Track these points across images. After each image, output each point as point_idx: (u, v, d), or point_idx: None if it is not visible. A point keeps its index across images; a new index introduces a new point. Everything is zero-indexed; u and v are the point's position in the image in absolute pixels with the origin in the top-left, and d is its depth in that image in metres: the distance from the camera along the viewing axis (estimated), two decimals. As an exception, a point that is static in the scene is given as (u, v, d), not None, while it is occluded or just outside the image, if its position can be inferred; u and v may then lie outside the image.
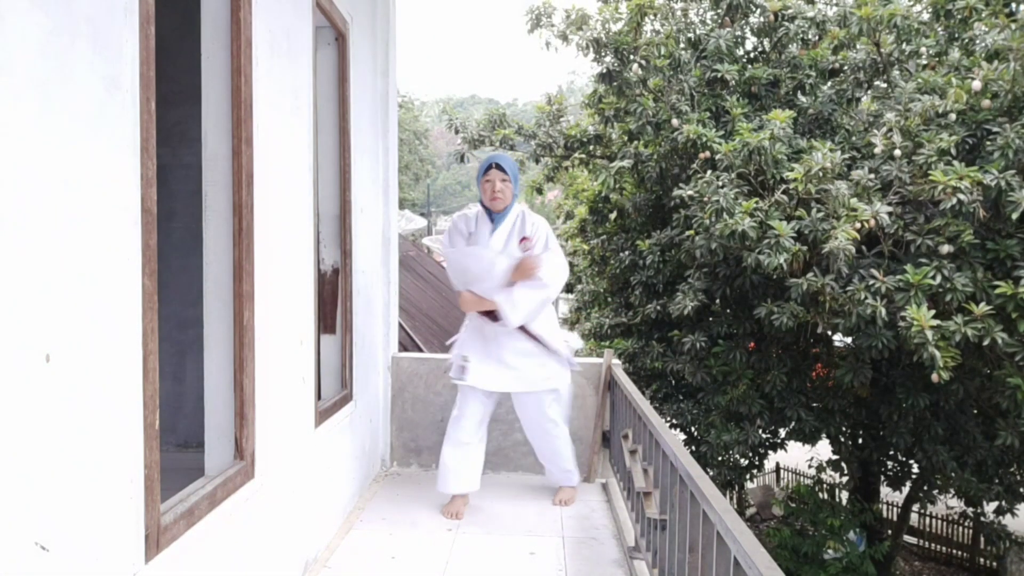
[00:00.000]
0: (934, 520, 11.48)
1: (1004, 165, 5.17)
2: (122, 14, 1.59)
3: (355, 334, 3.70)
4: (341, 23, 3.45)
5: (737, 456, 7.15)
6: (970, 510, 8.41)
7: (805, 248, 5.54)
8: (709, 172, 6.15)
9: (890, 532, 9.12)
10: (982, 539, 10.46)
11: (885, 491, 9.09)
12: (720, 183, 5.93)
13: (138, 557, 1.67)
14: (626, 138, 7.63)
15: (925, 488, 7.95)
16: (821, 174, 5.48)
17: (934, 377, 4.94)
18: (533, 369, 3.59)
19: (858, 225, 5.31)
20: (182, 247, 3.70)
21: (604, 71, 7.23)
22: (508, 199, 3.54)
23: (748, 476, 7.98)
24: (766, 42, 7.39)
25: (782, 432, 7.66)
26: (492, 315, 3.51)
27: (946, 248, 5.24)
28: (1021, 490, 7.09)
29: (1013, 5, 6.29)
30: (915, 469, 7.74)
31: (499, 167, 3.52)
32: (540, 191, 9.27)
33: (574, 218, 9.32)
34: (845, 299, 5.38)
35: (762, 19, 7.12)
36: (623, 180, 7.83)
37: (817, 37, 7.02)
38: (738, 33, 7.21)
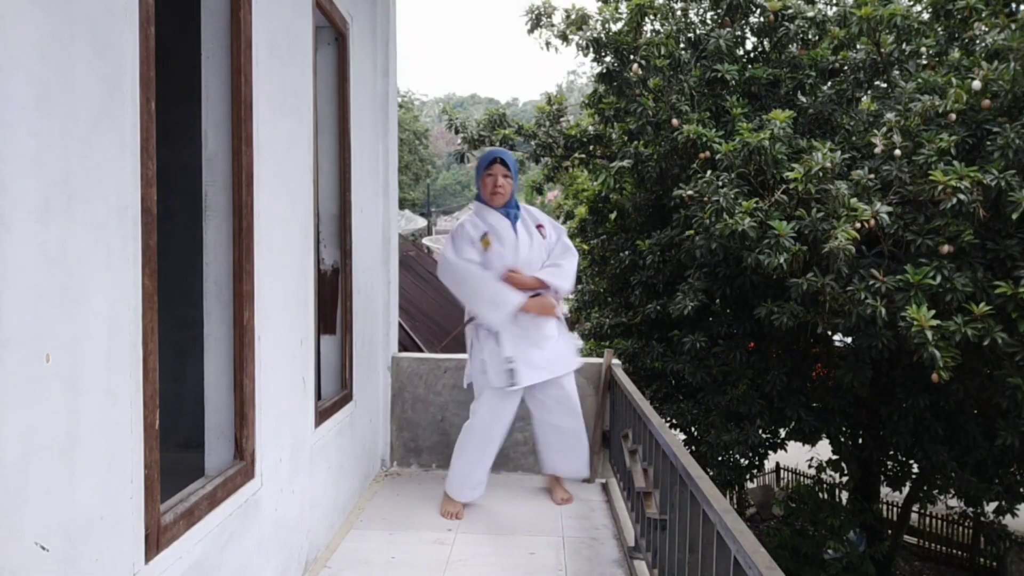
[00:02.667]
0: (934, 520, 11.49)
1: (1004, 165, 5.17)
2: (122, 14, 1.59)
3: (355, 334, 3.70)
4: (341, 23, 3.45)
5: (737, 456, 7.16)
6: (970, 510, 8.41)
7: (805, 248, 5.54)
8: (709, 172, 6.15)
9: (890, 532, 9.12)
10: (982, 539, 10.47)
11: (885, 491, 9.10)
12: (720, 183, 5.93)
13: (138, 557, 1.67)
14: (626, 138, 7.63)
15: (925, 488, 7.95)
16: (821, 174, 5.49)
17: (934, 377, 4.94)
18: (564, 349, 3.63)
19: (858, 225, 5.31)
20: (182, 247, 3.69)
21: (604, 71, 7.23)
22: (508, 194, 3.54)
23: (748, 476, 7.98)
24: (766, 42, 7.39)
25: (782, 432, 7.67)
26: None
27: (946, 248, 5.24)
28: (1021, 490, 7.10)
29: (1013, 5, 6.29)
30: (915, 469, 7.74)
31: (503, 162, 3.53)
32: (540, 191, 9.28)
33: (574, 218, 9.32)
34: (845, 299, 5.38)
35: (762, 19, 7.12)
36: (623, 180, 7.83)
37: (817, 37, 7.03)
38: (738, 33, 7.21)
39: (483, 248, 3.48)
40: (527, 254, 3.50)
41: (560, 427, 3.69)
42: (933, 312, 4.98)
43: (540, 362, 3.51)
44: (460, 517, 3.57)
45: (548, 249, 3.59)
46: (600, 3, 7.53)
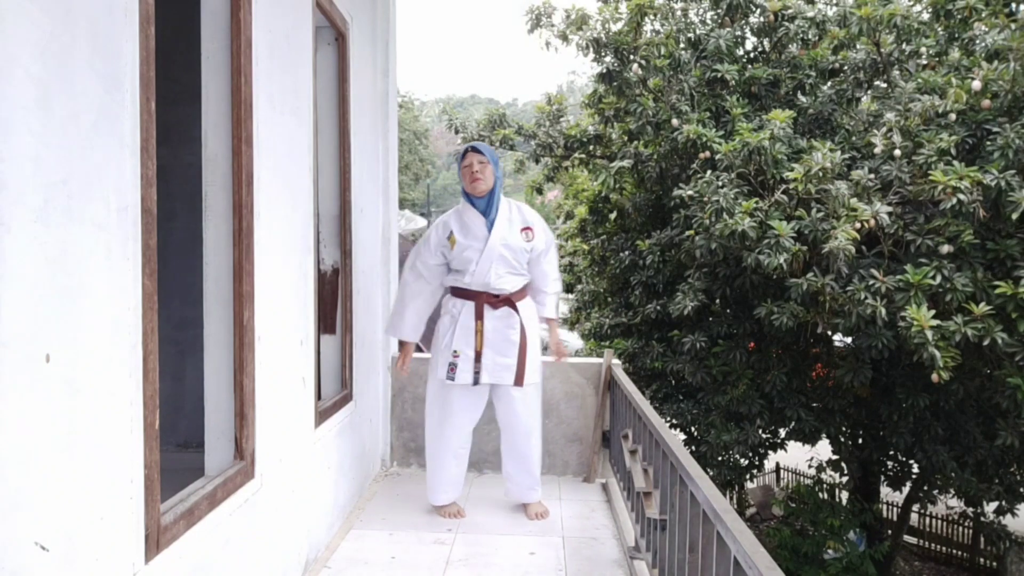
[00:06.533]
0: (934, 520, 11.48)
1: (1004, 165, 5.17)
2: (122, 14, 1.59)
3: (355, 334, 3.70)
4: (341, 23, 3.45)
5: (737, 456, 7.15)
6: (970, 510, 8.41)
7: (805, 248, 5.54)
8: (709, 172, 6.15)
9: (890, 532, 9.12)
10: (982, 539, 10.47)
11: (885, 491, 9.10)
12: (720, 183, 5.93)
13: (138, 557, 1.67)
14: (626, 138, 7.63)
15: (925, 488, 7.95)
16: (821, 174, 5.48)
17: (934, 377, 4.94)
18: (532, 361, 3.48)
19: (858, 225, 5.30)
20: (182, 247, 3.70)
21: (604, 71, 7.23)
22: (489, 182, 3.43)
23: (748, 476, 7.98)
24: (766, 42, 7.39)
25: (782, 432, 7.66)
26: (493, 303, 3.43)
27: (946, 248, 5.23)
28: (1021, 490, 7.10)
29: (1013, 5, 6.28)
30: (915, 469, 7.74)
31: (476, 150, 3.45)
32: (540, 191, 9.28)
33: (574, 218, 9.31)
34: (845, 299, 5.38)
35: (762, 19, 7.12)
36: (623, 180, 7.83)
37: (817, 37, 7.02)
38: (738, 33, 7.21)
39: (451, 247, 3.48)
40: (497, 251, 3.41)
41: (512, 444, 3.60)
42: (933, 312, 4.98)
43: (490, 366, 3.43)
44: (463, 515, 3.57)
45: (531, 253, 3.50)
46: (600, 3, 7.53)
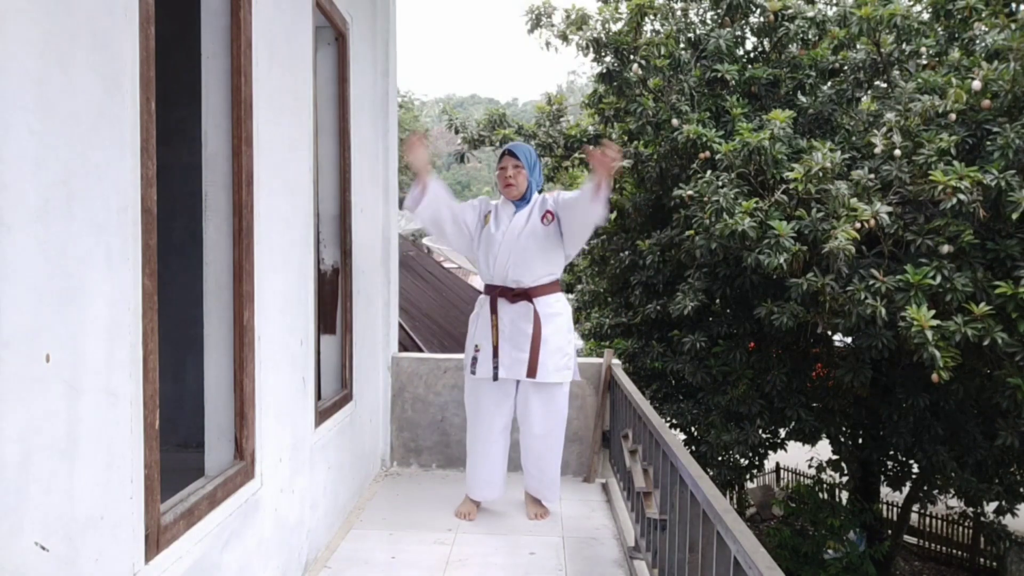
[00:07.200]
0: (934, 520, 11.49)
1: (1004, 165, 5.17)
2: (122, 14, 1.59)
3: (355, 334, 3.70)
4: (341, 23, 3.45)
5: (737, 456, 7.16)
6: (970, 510, 8.42)
7: (805, 248, 5.54)
8: (709, 172, 6.16)
9: (890, 532, 9.13)
10: (982, 539, 10.48)
11: (885, 491, 9.10)
12: (720, 183, 5.93)
13: (138, 557, 1.67)
14: (626, 138, 7.64)
15: (925, 488, 7.96)
16: (821, 174, 5.49)
17: (934, 377, 4.94)
18: (550, 357, 3.42)
19: (858, 225, 5.31)
20: (182, 247, 3.70)
21: (604, 71, 7.24)
22: (521, 187, 3.44)
23: (748, 476, 7.99)
24: (766, 42, 7.40)
25: (782, 432, 7.67)
26: (510, 296, 3.42)
27: (946, 248, 5.24)
28: (1021, 490, 7.10)
29: (1013, 5, 6.29)
30: (915, 469, 7.75)
31: (512, 154, 3.45)
32: (540, 191, 9.27)
33: (574, 218, 9.31)
34: (845, 299, 5.38)
35: (762, 19, 7.13)
36: (623, 180, 7.83)
37: (817, 37, 7.03)
38: (738, 33, 7.22)
39: (483, 223, 3.54)
40: (511, 241, 3.40)
41: (525, 442, 3.58)
42: (933, 312, 4.98)
43: (507, 360, 3.41)
44: (471, 518, 3.56)
45: (560, 213, 3.40)
46: (600, 3, 7.54)
